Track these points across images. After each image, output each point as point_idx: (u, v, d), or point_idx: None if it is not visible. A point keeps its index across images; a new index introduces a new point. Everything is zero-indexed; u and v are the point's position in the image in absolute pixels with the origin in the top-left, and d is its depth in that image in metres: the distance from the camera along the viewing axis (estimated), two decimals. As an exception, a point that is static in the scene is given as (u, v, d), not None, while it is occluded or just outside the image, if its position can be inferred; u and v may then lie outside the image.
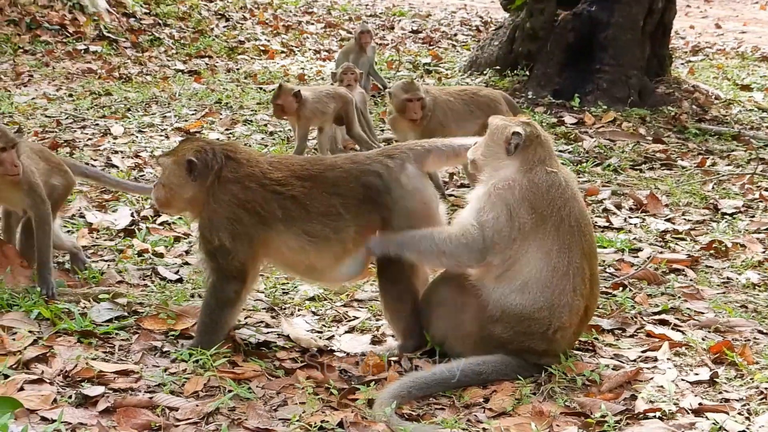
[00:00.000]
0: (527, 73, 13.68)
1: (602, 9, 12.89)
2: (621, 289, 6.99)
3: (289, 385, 5.49)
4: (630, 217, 8.91)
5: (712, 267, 7.67)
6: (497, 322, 5.57)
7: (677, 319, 6.55)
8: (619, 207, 9.15)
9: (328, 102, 10.12)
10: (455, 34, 21.38)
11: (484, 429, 5.06)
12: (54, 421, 4.90)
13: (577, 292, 5.53)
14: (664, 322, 6.48)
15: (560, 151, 10.87)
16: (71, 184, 7.15)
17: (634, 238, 8.24)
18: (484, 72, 14.42)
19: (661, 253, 7.88)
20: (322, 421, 5.02)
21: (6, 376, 5.38)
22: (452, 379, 5.51)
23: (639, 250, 7.96)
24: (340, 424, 5.01)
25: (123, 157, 10.52)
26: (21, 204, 6.62)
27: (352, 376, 5.64)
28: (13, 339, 5.82)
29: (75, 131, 11.83)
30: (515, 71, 14.01)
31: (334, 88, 10.67)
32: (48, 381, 5.38)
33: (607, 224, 8.70)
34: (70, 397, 5.21)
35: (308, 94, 10.07)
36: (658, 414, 5.17)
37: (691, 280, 7.33)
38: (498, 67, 14.24)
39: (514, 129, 5.58)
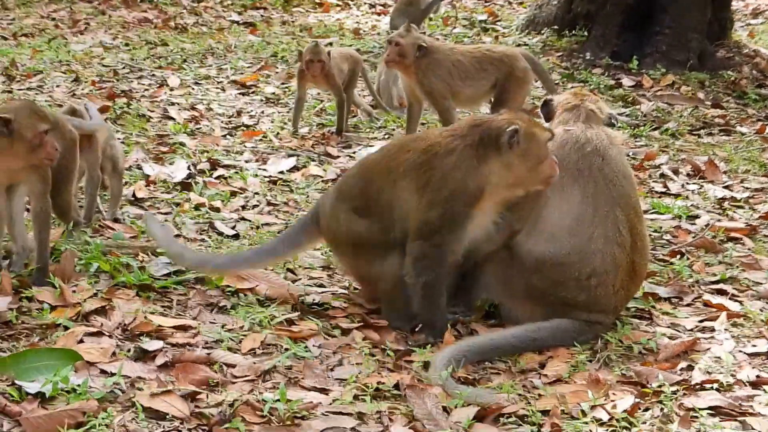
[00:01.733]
0: (585, 33, 13.52)
1: (664, -31, 12.72)
2: (678, 257, 6.94)
3: (346, 345, 5.51)
4: (687, 183, 8.84)
5: (770, 236, 7.60)
6: (534, 273, 5.67)
7: (735, 289, 6.51)
8: (676, 173, 9.07)
9: (341, 62, 10.14)
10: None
11: (540, 395, 5.07)
12: (113, 374, 4.94)
13: (610, 240, 5.60)
14: (721, 292, 6.44)
15: (618, 113, 10.75)
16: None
17: (692, 205, 8.17)
18: (542, 32, 14.28)
19: (719, 221, 7.81)
20: (378, 383, 5.03)
21: (66, 328, 5.44)
22: (508, 345, 5.52)
23: (696, 217, 7.90)
24: (397, 387, 5.03)
25: (180, 109, 10.56)
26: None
27: (408, 338, 5.65)
28: (74, 291, 5.87)
29: (132, 81, 11.88)
30: (573, 32, 13.84)
31: (346, 49, 10.74)
32: (107, 334, 5.43)
33: (664, 190, 8.65)
34: (128, 350, 5.26)
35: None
36: (715, 386, 5.14)
37: (749, 249, 7.27)
38: (556, 27, 14.08)
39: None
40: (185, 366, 5.02)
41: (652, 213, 7.94)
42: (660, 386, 5.06)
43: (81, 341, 5.32)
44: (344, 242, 5.91)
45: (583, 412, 4.86)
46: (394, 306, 5.78)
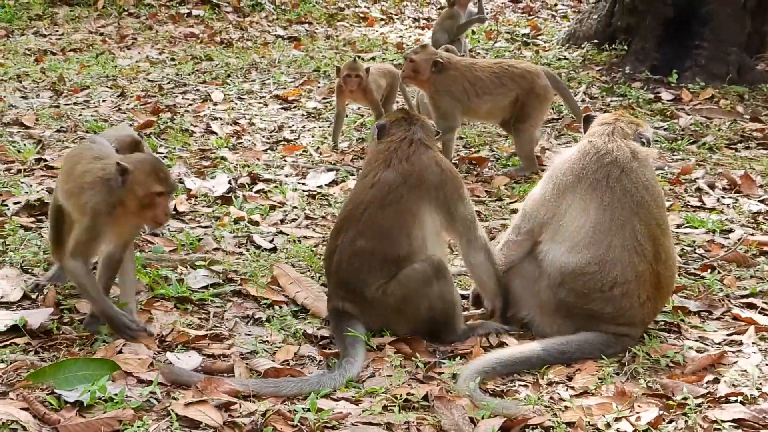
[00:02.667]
0: (625, 47, 13.58)
1: (703, -17, 12.74)
2: (710, 270, 6.98)
3: (378, 358, 5.62)
4: (723, 197, 8.84)
5: (804, 251, 7.61)
6: (560, 286, 5.78)
7: (765, 303, 6.53)
8: (712, 187, 9.07)
9: (380, 78, 10.27)
10: (555, 5, 21.20)
11: (566, 407, 5.14)
12: (150, 383, 5.08)
13: (628, 249, 5.71)
14: (751, 306, 6.48)
15: (656, 127, 10.81)
16: None
17: (726, 219, 8.18)
18: (582, 46, 14.35)
19: (752, 235, 7.82)
20: (407, 394, 5.15)
21: (106, 341, 5.59)
22: (536, 358, 5.60)
23: (730, 231, 7.91)
24: (425, 398, 5.13)
25: (222, 124, 10.73)
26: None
27: (437, 351, 5.76)
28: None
29: (176, 96, 12.07)
30: (613, 45, 13.92)
31: (385, 65, 10.87)
32: (145, 345, 5.57)
33: (699, 204, 8.66)
34: (165, 360, 5.40)
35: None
36: (739, 398, 5.19)
37: (782, 263, 7.29)
38: (596, 41, 14.16)
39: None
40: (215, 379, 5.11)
41: (686, 227, 7.98)
42: (685, 399, 5.13)
43: (120, 351, 5.48)
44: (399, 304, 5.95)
45: (608, 424, 4.94)
46: (452, 324, 5.95)
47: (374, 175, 6.01)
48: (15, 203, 7.89)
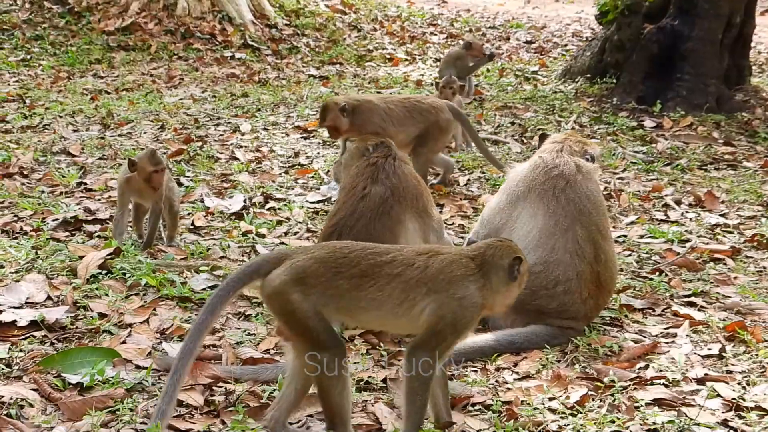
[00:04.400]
0: (614, 81, 13.77)
1: (684, 23, 12.87)
2: (658, 274, 7.15)
3: (353, 349, 5.85)
4: (687, 212, 8.99)
5: (752, 257, 7.74)
6: None
7: (705, 301, 6.70)
8: (678, 203, 9.23)
9: None
10: (566, 45, 21.43)
11: (508, 389, 5.36)
12: (145, 368, 5.36)
13: (569, 251, 5.96)
14: (691, 304, 6.65)
15: (635, 151, 11.02)
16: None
17: (686, 231, 8.34)
18: (576, 80, 14.55)
19: (707, 244, 7.98)
20: (369, 377, 5.38)
21: (111, 333, 5.88)
22: (488, 347, 5.82)
23: (687, 241, 8.07)
24: (384, 380, 5.36)
25: (245, 152, 11.01)
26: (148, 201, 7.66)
27: (401, 341, 5.97)
28: (123, 301, 6.32)
29: (209, 128, 12.38)
30: (604, 79, 14.11)
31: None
32: (146, 337, 5.85)
33: (664, 218, 8.81)
34: (161, 350, 5.67)
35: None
36: (663, 381, 5.38)
37: (729, 268, 7.44)
38: (588, 75, 14.36)
39: None
40: (198, 364, 5.35)
41: (648, 237, 8.15)
42: (612, 381, 5.31)
43: (124, 342, 5.75)
44: None
45: (541, 402, 5.14)
46: None
47: (363, 188, 6.30)
48: (53, 220, 8.22)
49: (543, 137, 6.61)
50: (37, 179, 9.79)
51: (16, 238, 7.77)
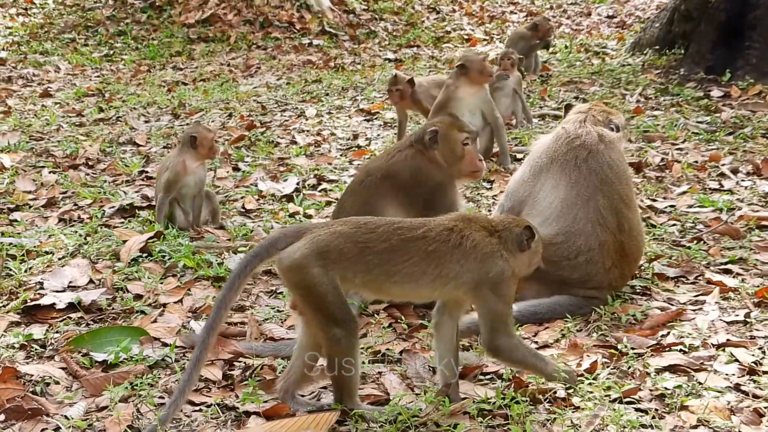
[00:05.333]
0: (683, 51, 13.57)
1: (751, -9, 12.67)
2: (697, 242, 7.09)
3: (375, 323, 5.96)
4: (742, 181, 8.85)
5: (801, 225, 7.62)
6: None
7: (741, 268, 6.61)
8: (735, 172, 9.08)
9: (432, 89, 10.59)
10: (648, 17, 21.11)
11: (524, 358, 5.39)
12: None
13: (592, 221, 5.95)
14: (727, 271, 6.57)
15: (698, 122, 10.86)
16: None
17: (737, 199, 8.23)
18: (644, 52, 14.39)
19: (756, 211, 7.86)
20: (386, 349, 5.48)
21: (144, 312, 6.08)
22: (510, 318, 5.86)
23: (737, 209, 7.97)
24: (401, 353, 5.46)
25: (306, 136, 11.18)
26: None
27: (425, 314, 6.05)
28: (161, 283, 6.52)
29: (275, 114, 12.60)
30: (672, 50, 13.93)
31: (438, 76, 11.39)
32: (178, 316, 6.04)
33: (718, 187, 8.69)
34: (189, 328, 5.85)
35: (422, 80, 10.60)
36: (681, 348, 5.36)
37: (775, 235, 7.33)
38: (657, 47, 14.19)
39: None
40: (220, 341, 5.52)
41: (697, 207, 8.05)
42: (625, 348, 5.32)
43: (155, 321, 5.95)
44: None
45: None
46: None
47: None
48: (110, 208, 8.49)
49: (568, 108, 6.62)
50: (102, 169, 10.10)
51: (72, 226, 8.04)
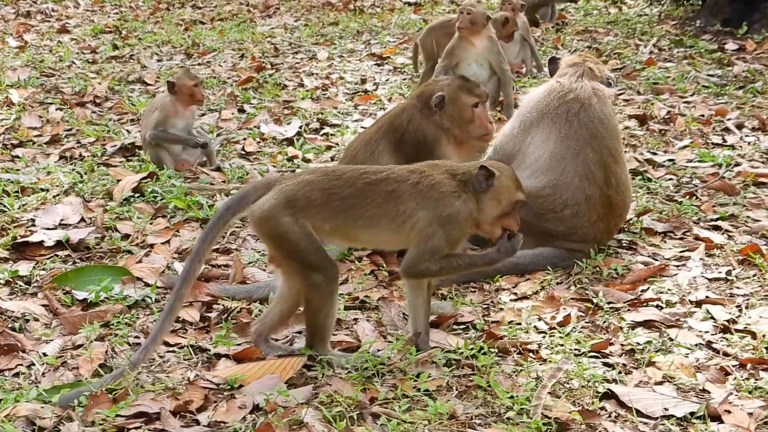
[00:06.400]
0: (700, 3, 13.40)
1: (771, -59, 12.46)
2: (689, 197, 7.05)
3: (357, 269, 5.98)
4: (747, 136, 8.76)
5: (799, 182, 7.55)
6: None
7: (731, 225, 6.57)
8: (740, 127, 8.97)
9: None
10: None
11: (501, 309, 5.41)
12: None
13: (579, 175, 5.93)
14: (716, 228, 6.54)
15: (709, 75, 10.74)
16: None
17: (738, 155, 8.15)
18: (662, 2, 14.22)
19: (756, 168, 7.79)
20: (365, 296, 5.51)
21: (131, 252, 6.13)
22: (491, 269, 5.85)
23: (737, 165, 7.88)
24: (379, 300, 5.48)
25: (315, 79, 11.15)
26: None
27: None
28: (151, 223, 6.56)
29: (288, 56, 12.57)
30: (690, 1, 13.75)
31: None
32: (163, 257, 6.09)
33: (721, 142, 8.61)
34: (172, 269, 5.90)
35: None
36: (657, 303, 5.36)
37: (771, 192, 7.27)
38: (676, -2, 14.04)
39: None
40: (199, 284, 5.57)
41: (697, 161, 7.99)
42: (599, 302, 5.33)
43: (140, 261, 6.00)
44: None
45: (527, 322, 5.18)
46: None
47: None
48: (112, 146, 8.53)
49: (553, 61, 6.56)
50: (109, 108, 10.13)
51: (73, 163, 8.09)
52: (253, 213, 4.64)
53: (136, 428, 4.17)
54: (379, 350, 4.80)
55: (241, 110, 9.89)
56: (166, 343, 4.99)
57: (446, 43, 9.93)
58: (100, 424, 4.13)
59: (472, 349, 4.75)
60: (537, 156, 6.05)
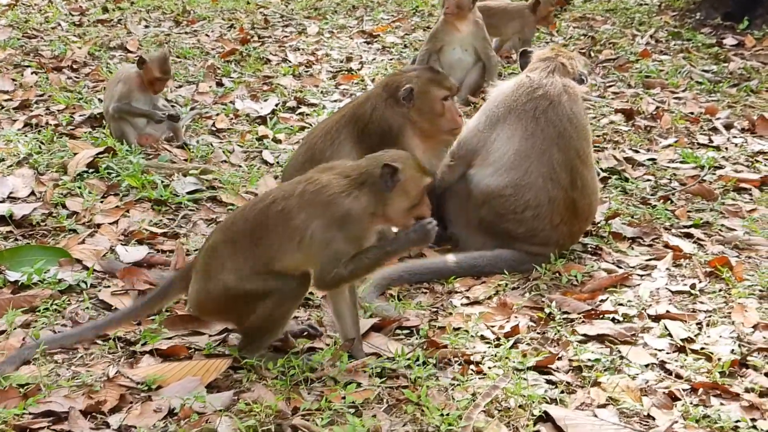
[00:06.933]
0: (703, -6, 13.06)
1: (777, -66, 12.11)
2: (663, 201, 6.79)
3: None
4: (734, 138, 8.48)
5: (781, 189, 7.27)
6: (483, 205, 5.79)
7: (704, 233, 6.32)
8: (729, 127, 8.68)
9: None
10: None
11: (449, 313, 5.16)
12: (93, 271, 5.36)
13: (543, 176, 5.66)
14: (688, 235, 6.28)
15: (704, 70, 10.44)
16: None
17: (722, 157, 7.87)
18: (664, -9, 13.89)
19: (739, 172, 7.51)
20: (309, 293, 5.25)
21: (75, 231, 5.88)
22: (446, 269, 5.62)
23: (720, 168, 7.62)
24: (323, 297, 5.23)
25: (300, 54, 10.87)
26: None
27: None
28: (101, 202, 6.31)
29: (277, 29, 12.26)
30: (693, -9, 13.40)
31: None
32: (108, 238, 5.83)
33: (707, 142, 8.33)
34: (115, 254, 5.65)
35: None
36: (614, 316, 5.10)
37: (751, 199, 7.00)
38: (678, -14, 13.67)
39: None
40: (130, 270, 5.34)
41: (678, 162, 7.72)
42: (550, 313, 5.07)
43: (83, 242, 5.74)
44: None
45: (475, 329, 4.93)
46: None
47: None
48: (80, 115, 8.27)
49: (524, 54, 6.27)
50: (86, 74, 9.85)
51: (39, 131, 7.83)
52: (191, 305, 4.58)
53: (40, 428, 3.93)
54: (311, 355, 4.54)
55: (220, 84, 9.62)
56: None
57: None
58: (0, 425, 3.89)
59: (409, 358, 4.50)
60: (501, 153, 5.78)
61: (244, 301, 4.37)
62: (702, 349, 4.78)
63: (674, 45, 11.51)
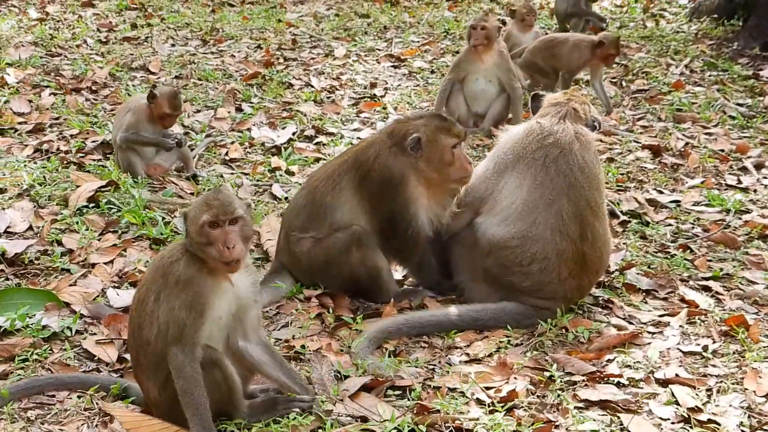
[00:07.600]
0: (741, 23, 12.73)
1: (822, -36, 11.78)
2: (683, 250, 6.52)
3: (304, 310, 5.53)
4: (765, 178, 8.19)
5: (812, 237, 6.98)
6: (488, 256, 5.55)
7: (723, 286, 6.05)
8: (759, 167, 8.39)
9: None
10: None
11: (446, 372, 4.94)
12: (81, 315, 5.20)
13: (552, 227, 5.42)
14: (706, 288, 6.01)
15: (738, 104, 10.14)
16: None
17: (750, 200, 7.59)
18: (702, 19, 13.56)
19: (767, 217, 7.23)
20: (301, 346, 5.06)
21: (68, 271, 5.71)
22: (448, 322, 5.41)
23: (747, 212, 7.34)
24: (318, 350, 5.04)
25: (324, 78, 10.68)
26: None
27: (359, 308, 5.61)
28: (99, 239, 6.15)
29: (304, 50, 12.10)
30: (731, 21, 13.08)
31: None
32: (101, 280, 5.67)
33: (735, 183, 8.04)
34: (106, 298, 5.48)
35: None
36: (619, 380, 4.86)
37: (777, 248, 6.72)
38: (716, 16, 13.34)
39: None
40: (115, 317, 5.17)
41: (704, 204, 7.45)
42: (551, 377, 4.84)
43: (74, 284, 5.58)
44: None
45: (471, 392, 4.70)
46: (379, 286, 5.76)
47: None
48: (93, 141, 8.14)
49: (535, 98, 6.04)
50: (105, 96, 9.74)
51: (47, 158, 7.71)
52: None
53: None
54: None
55: (239, 109, 9.46)
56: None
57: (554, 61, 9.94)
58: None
59: (397, 426, 4.28)
60: (509, 202, 5.54)
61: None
62: (709, 421, 4.51)
63: (709, 76, 11.22)
